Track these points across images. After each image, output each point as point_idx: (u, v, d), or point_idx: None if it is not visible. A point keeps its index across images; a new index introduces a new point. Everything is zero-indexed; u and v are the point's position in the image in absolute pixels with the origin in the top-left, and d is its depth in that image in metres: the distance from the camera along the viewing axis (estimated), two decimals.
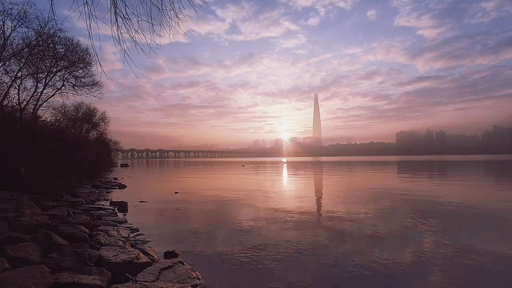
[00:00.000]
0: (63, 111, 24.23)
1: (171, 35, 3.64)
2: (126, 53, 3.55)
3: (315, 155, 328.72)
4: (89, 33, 3.14)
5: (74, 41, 17.11)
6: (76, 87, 18.46)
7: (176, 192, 13.36)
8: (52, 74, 17.03)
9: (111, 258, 4.07)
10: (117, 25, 3.40)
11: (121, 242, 5.11)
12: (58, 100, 19.25)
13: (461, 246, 5.18)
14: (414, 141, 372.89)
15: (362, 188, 14.27)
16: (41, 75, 16.58)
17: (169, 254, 4.68)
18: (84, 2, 3.04)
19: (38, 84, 16.77)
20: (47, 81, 16.96)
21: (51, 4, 3.00)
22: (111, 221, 6.94)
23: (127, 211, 8.92)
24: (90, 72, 18.46)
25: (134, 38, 3.51)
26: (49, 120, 18.51)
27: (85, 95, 19.11)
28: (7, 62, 14.67)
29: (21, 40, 14.66)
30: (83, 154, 19.60)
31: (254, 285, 3.84)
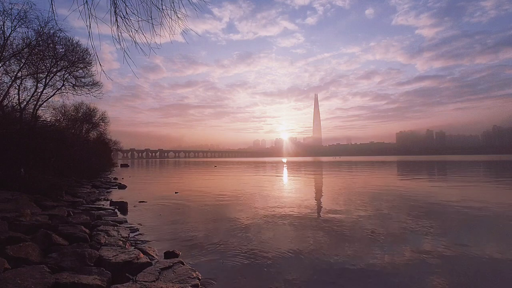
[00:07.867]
0: (63, 111, 24.24)
1: (170, 34, 3.64)
2: (126, 52, 3.55)
3: (315, 155, 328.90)
4: (89, 33, 3.14)
5: (74, 41, 17.15)
6: (76, 87, 18.52)
7: (176, 192, 13.36)
8: (52, 74, 17.05)
9: (111, 258, 4.06)
10: (117, 25, 3.39)
11: (121, 242, 5.11)
12: (58, 100, 19.36)
13: (462, 247, 5.18)
14: (414, 141, 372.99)
15: (363, 188, 14.26)
16: (41, 75, 16.61)
17: (169, 254, 4.68)
18: (84, 2, 3.04)
19: (38, 84, 16.80)
20: (47, 81, 16.99)
21: (51, 4, 3.00)
22: (111, 221, 6.94)
23: (127, 211, 8.92)
24: (90, 72, 18.50)
25: (134, 38, 3.50)
26: (49, 120, 18.52)
27: (85, 95, 19.18)
28: (7, 62, 14.69)
29: (21, 40, 14.68)
30: (83, 154, 19.58)
31: (254, 285, 3.83)
